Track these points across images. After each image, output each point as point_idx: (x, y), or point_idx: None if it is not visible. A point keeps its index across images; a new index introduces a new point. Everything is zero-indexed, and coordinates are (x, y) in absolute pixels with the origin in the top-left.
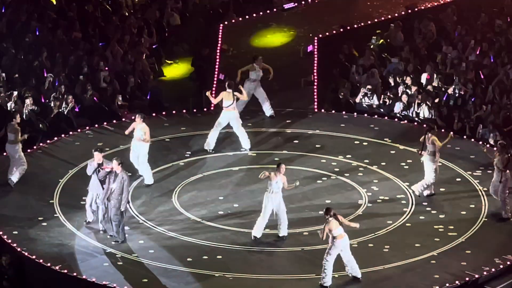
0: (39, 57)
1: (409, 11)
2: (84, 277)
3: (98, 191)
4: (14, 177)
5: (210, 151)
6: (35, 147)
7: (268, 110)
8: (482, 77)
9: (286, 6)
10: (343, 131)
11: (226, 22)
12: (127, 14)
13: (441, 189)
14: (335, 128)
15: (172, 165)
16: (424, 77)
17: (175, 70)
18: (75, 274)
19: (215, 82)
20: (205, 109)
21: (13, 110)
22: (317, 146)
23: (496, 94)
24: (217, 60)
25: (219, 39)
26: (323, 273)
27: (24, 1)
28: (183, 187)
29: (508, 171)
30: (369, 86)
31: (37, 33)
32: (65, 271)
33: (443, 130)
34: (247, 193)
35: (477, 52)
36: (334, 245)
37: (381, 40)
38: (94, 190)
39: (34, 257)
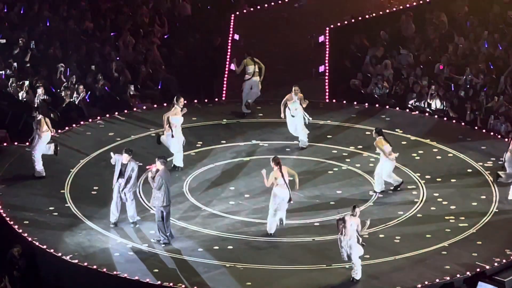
0: (51, 47)
1: (421, 1)
2: (94, 267)
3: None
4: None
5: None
6: None
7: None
8: (491, 67)
9: None
10: (354, 122)
11: (237, 12)
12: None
13: (452, 180)
14: (346, 118)
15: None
16: (437, 68)
17: None
18: (85, 264)
19: (226, 72)
20: (216, 100)
21: None
22: (328, 136)
23: (508, 85)
24: (229, 50)
25: (231, 29)
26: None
27: None
28: (194, 177)
29: None
30: (379, 76)
31: (49, 23)
32: (76, 261)
33: (454, 121)
34: (258, 183)
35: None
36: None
37: None
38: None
39: (45, 247)
